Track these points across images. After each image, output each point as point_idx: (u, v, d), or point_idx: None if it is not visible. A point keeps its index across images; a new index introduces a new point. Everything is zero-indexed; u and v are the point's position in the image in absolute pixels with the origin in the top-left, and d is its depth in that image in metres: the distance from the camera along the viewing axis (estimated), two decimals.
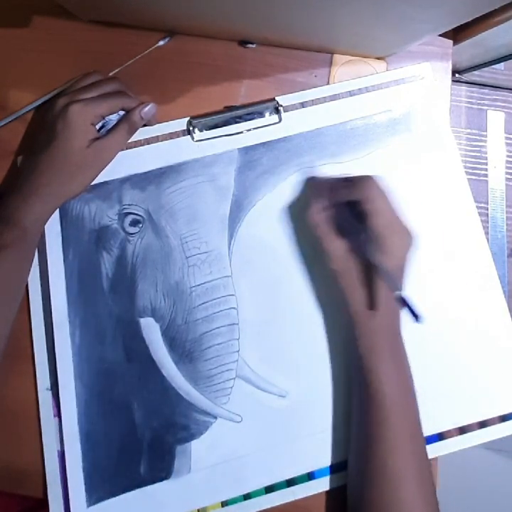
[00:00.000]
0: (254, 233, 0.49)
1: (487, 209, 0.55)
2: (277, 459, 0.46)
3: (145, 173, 0.50)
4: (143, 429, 0.46)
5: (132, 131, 0.49)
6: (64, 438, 0.46)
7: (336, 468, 0.46)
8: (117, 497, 0.45)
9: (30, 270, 0.48)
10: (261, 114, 0.51)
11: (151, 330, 0.47)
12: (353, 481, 0.44)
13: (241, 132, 0.50)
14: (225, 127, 0.51)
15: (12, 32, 0.52)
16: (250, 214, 0.49)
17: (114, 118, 0.48)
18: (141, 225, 0.49)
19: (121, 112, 0.48)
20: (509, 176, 0.55)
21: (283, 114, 0.51)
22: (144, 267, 0.48)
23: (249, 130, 0.51)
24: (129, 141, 0.50)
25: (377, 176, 0.43)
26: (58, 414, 0.46)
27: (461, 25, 0.44)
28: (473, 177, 0.55)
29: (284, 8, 0.41)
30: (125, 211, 0.49)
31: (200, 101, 0.52)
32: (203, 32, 0.52)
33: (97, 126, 0.47)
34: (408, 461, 0.41)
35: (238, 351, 0.47)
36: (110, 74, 0.51)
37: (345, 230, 0.43)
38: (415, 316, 0.37)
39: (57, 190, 0.46)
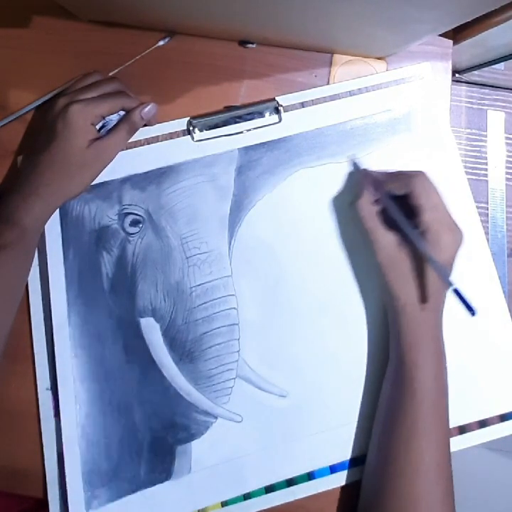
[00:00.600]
0: (255, 233, 0.49)
1: (487, 209, 0.55)
2: (277, 458, 0.46)
3: (145, 173, 0.50)
4: (143, 430, 0.46)
5: (132, 131, 0.49)
6: (63, 439, 0.46)
7: (336, 468, 0.46)
8: (117, 501, 0.45)
9: (30, 270, 0.48)
10: (261, 114, 0.51)
11: (152, 330, 0.47)
12: (371, 478, 0.44)
13: (241, 132, 0.50)
14: (225, 127, 0.51)
15: (12, 32, 0.52)
16: (250, 214, 0.49)
17: (114, 118, 0.48)
18: (141, 225, 0.49)
19: (122, 112, 0.48)
20: (509, 176, 0.55)
21: (283, 114, 0.51)
22: (144, 267, 0.48)
23: (249, 130, 0.51)
24: (129, 141, 0.49)
25: (427, 172, 0.44)
26: (58, 414, 0.46)
27: (461, 25, 0.43)
28: (473, 177, 0.55)
29: (284, 8, 0.41)
30: (125, 211, 0.49)
31: (200, 101, 0.52)
32: (203, 32, 0.52)
33: (98, 127, 0.47)
34: (436, 458, 0.41)
35: (238, 351, 0.47)
36: (110, 74, 0.51)
37: (395, 224, 0.43)
38: (470, 309, 0.37)
39: (58, 190, 0.46)
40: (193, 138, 0.50)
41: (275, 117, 0.51)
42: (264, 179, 0.50)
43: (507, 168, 0.55)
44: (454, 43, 0.53)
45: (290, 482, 0.46)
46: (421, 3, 0.37)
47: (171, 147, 0.50)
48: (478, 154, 0.56)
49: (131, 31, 0.52)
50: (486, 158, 0.56)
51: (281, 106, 0.51)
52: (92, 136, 0.46)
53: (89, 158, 0.46)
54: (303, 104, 0.51)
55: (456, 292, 0.38)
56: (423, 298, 0.42)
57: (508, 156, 0.56)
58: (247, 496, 0.45)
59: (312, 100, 0.51)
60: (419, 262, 0.42)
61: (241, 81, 0.53)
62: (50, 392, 0.47)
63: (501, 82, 0.56)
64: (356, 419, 0.47)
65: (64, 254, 0.48)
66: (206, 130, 0.51)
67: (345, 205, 0.49)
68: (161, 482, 0.45)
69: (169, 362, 0.47)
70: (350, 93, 0.51)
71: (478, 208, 0.52)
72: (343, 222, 0.50)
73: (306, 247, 0.49)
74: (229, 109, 0.51)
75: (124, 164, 0.49)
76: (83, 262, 0.48)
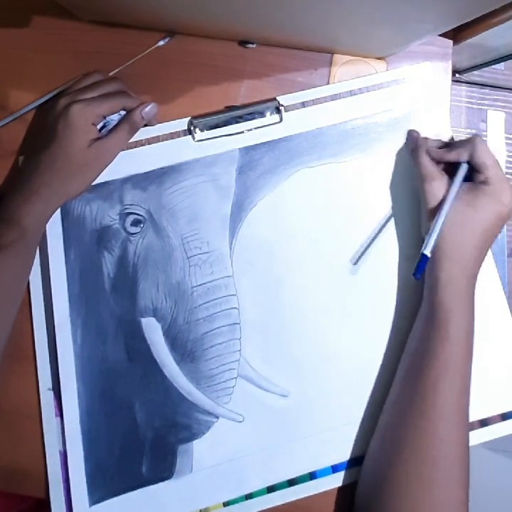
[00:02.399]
0: (256, 233, 0.49)
1: None
2: (279, 458, 0.46)
3: (146, 173, 0.50)
4: (145, 429, 0.46)
5: (133, 131, 0.49)
6: (66, 438, 0.46)
7: (337, 468, 0.46)
8: (119, 496, 0.45)
9: (31, 270, 0.48)
10: (262, 114, 0.51)
11: (153, 330, 0.48)
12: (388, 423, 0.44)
13: (242, 132, 0.51)
14: (225, 127, 0.51)
15: (12, 32, 0.52)
16: (251, 214, 0.49)
17: (115, 118, 0.48)
18: (142, 225, 0.49)
19: (123, 112, 0.48)
20: (509, 176, 0.55)
21: (284, 114, 0.51)
22: (145, 267, 0.49)
23: (250, 130, 0.51)
24: (130, 141, 0.50)
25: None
26: (60, 414, 0.46)
27: (461, 25, 0.44)
28: None
29: (284, 8, 0.41)
30: (126, 211, 0.49)
31: (201, 101, 0.52)
32: (203, 32, 0.52)
33: (98, 126, 0.47)
34: (460, 405, 0.41)
35: (240, 351, 0.47)
36: (110, 74, 0.51)
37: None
38: (417, 271, 0.40)
39: (58, 190, 0.46)
40: (194, 138, 0.51)
41: (276, 117, 0.51)
42: (265, 179, 0.50)
43: (507, 168, 0.56)
44: (454, 43, 0.53)
45: (292, 482, 0.46)
46: (421, 3, 0.37)
47: (172, 147, 0.50)
48: None
49: (131, 31, 0.52)
50: None
51: (282, 106, 0.51)
52: (92, 136, 0.46)
53: (90, 158, 0.46)
54: (304, 104, 0.51)
55: (422, 255, 0.40)
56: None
57: (508, 156, 0.56)
58: (249, 496, 0.45)
59: (313, 100, 0.51)
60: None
61: (241, 81, 0.53)
62: (51, 393, 0.47)
63: (501, 82, 0.56)
64: (358, 419, 0.47)
65: (65, 254, 0.48)
66: (207, 130, 0.51)
67: (347, 203, 0.49)
68: (163, 480, 0.45)
69: (170, 362, 0.47)
70: (351, 93, 0.52)
71: None
72: (344, 222, 0.50)
73: (307, 247, 0.49)
74: (230, 109, 0.51)
75: (125, 164, 0.50)
76: (84, 262, 0.49)
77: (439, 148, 0.47)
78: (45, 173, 0.45)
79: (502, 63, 0.55)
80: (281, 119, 0.51)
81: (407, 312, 0.48)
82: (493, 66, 0.55)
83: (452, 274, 0.43)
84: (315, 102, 0.52)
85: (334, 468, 0.46)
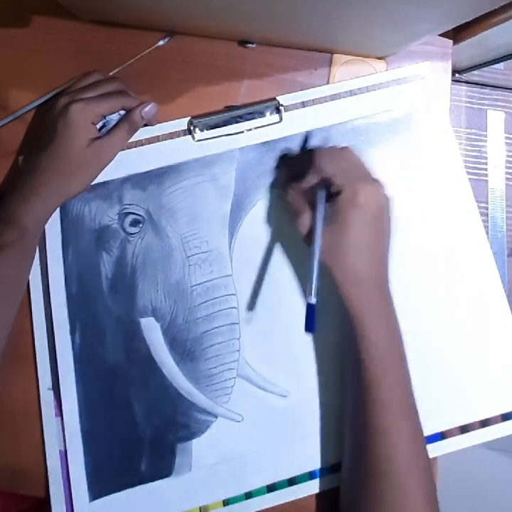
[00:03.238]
0: (255, 233, 0.49)
1: (487, 209, 0.55)
2: (278, 458, 0.46)
3: (146, 172, 0.50)
4: (144, 428, 0.46)
5: (133, 130, 0.49)
6: (66, 437, 0.46)
7: (336, 468, 0.46)
8: (119, 493, 0.45)
9: (30, 270, 0.48)
10: (262, 114, 0.51)
11: (152, 330, 0.48)
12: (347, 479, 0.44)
13: (242, 132, 0.51)
14: (225, 127, 0.51)
15: (12, 32, 0.52)
16: (251, 213, 0.49)
17: (114, 118, 0.48)
18: (141, 225, 0.49)
19: (123, 112, 0.48)
20: (509, 176, 0.55)
21: (284, 114, 0.51)
22: (144, 267, 0.49)
23: (250, 130, 0.51)
24: (130, 140, 0.50)
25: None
26: (60, 413, 0.46)
27: (461, 25, 0.43)
28: (473, 177, 0.55)
29: (284, 8, 0.41)
30: (125, 211, 0.49)
31: (200, 101, 0.52)
32: (203, 32, 0.52)
33: (98, 126, 0.47)
34: (399, 418, 0.40)
35: (239, 350, 0.47)
36: (110, 74, 0.51)
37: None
38: (308, 327, 0.38)
39: (58, 190, 0.46)
40: (193, 138, 0.51)
41: (276, 117, 0.51)
42: (264, 179, 0.50)
43: (507, 168, 0.55)
44: (454, 43, 0.53)
45: (291, 481, 0.46)
46: (421, 3, 0.37)
47: (171, 147, 0.50)
48: (478, 154, 0.56)
49: (131, 31, 0.52)
50: (486, 158, 0.56)
51: (282, 105, 0.51)
52: (92, 136, 0.46)
53: (90, 157, 0.46)
54: (303, 104, 0.51)
55: (309, 306, 0.38)
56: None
57: (508, 156, 0.56)
58: (248, 495, 0.45)
59: (313, 100, 0.51)
60: None
61: (241, 81, 0.53)
62: (51, 392, 0.47)
63: (501, 82, 0.56)
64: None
65: (63, 253, 0.48)
66: (207, 130, 0.51)
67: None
68: (162, 478, 0.46)
69: (170, 361, 0.47)
70: (351, 93, 0.51)
71: (478, 207, 0.52)
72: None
73: (306, 246, 0.49)
74: (229, 108, 0.51)
75: (124, 164, 0.50)
76: (83, 262, 0.49)
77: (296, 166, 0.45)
78: (45, 172, 0.45)
79: (502, 63, 0.55)
80: (281, 119, 0.51)
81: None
82: (493, 66, 0.55)
83: (355, 294, 0.42)
84: (315, 101, 0.51)
85: (334, 468, 0.46)
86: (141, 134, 0.50)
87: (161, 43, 0.52)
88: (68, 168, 0.46)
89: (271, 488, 0.46)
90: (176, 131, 0.51)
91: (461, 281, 0.49)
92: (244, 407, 0.47)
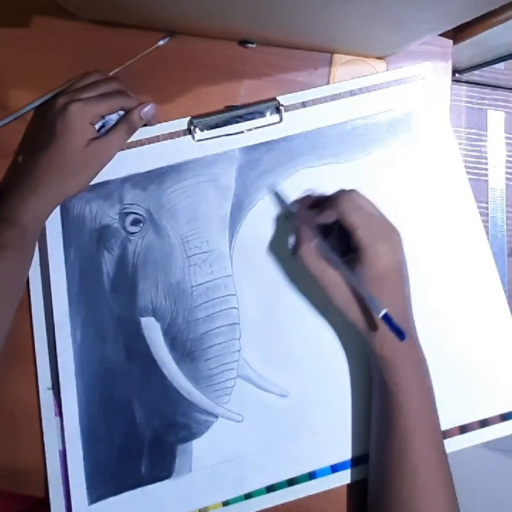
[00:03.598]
0: (255, 233, 0.49)
1: (487, 209, 0.55)
2: (278, 458, 0.46)
3: (146, 172, 0.50)
4: (144, 428, 0.46)
5: (132, 131, 0.49)
6: (65, 437, 0.46)
7: (337, 468, 0.46)
8: (118, 495, 0.45)
9: (29, 269, 0.48)
10: (262, 114, 0.51)
11: (152, 329, 0.48)
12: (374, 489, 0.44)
13: (242, 132, 0.51)
14: (225, 127, 0.51)
15: (12, 32, 0.52)
16: (251, 214, 0.49)
17: (113, 118, 0.48)
18: (142, 225, 0.49)
19: (122, 112, 0.48)
20: (509, 176, 0.55)
21: (284, 114, 0.51)
22: (144, 267, 0.49)
23: (250, 130, 0.51)
24: (130, 140, 0.50)
25: (351, 189, 0.43)
26: (59, 413, 0.46)
27: (461, 25, 0.44)
28: (473, 177, 0.55)
29: (284, 8, 0.41)
30: (126, 211, 0.49)
31: (200, 101, 0.52)
32: (203, 32, 0.52)
33: (97, 126, 0.47)
34: (431, 470, 0.41)
35: (239, 351, 0.47)
36: (110, 74, 0.51)
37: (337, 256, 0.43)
38: (399, 333, 0.38)
39: (57, 189, 0.46)
40: (193, 137, 0.50)
41: (276, 117, 0.51)
42: (265, 179, 0.50)
43: (507, 168, 0.55)
44: (454, 43, 0.53)
45: (291, 482, 0.46)
46: (421, 3, 0.37)
47: (171, 147, 0.50)
48: (478, 154, 0.56)
49: (131, 31, 0.52)
50: (486, 158, 0.56)
51: (282, 105, 0.51)
52: (90, 136, 0.46)
53: (88, 157, 0.46)
54: (304, 104, 0.51)
55: (384, 318, 0.38)
56: (374, 326, 0.42)
57: (508, 156, 0.56)
58: (248, 496, 0.45)
59: (313, 100, 0.51)
60: None
61: (241, 81, 0.53)
62: (51, 392, 0.47)
63: (501, 82, 0.56)
64: (357, 419, 0.47)
65: (65, 253, 0.48)
66: (207, 130, 0.51)
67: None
68: (162, 480, 0.46)
69: (170, 361, 0.47)
70: (351, 93, 0.51)
71: (478, 207, 0.52)
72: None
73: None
74: (230, 108, 0.51)
75: (125, 164, 0.50)
76: (84, 261, 0.49)
77: (313, 216, 0.45)
78: (44, 172, 0.45)
79: (502, 63, 0.55)
80: (281, 119, 0.51)
81: None
82: (493, 66, 0.55)
83: (385, 351, 0.42)
84: (315, 102, 0.51)
85: (334, 468, 0.46)
86: (141, 134, 0.50)
87: (161, 43, 0.52)
88: (67, 168, 0.46)
89: (270, 488, 0.46)
90: (176, 131, 0.51)
91: (460, 281, 0.49)
92: (244, 407, 0.47)
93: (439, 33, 0.50)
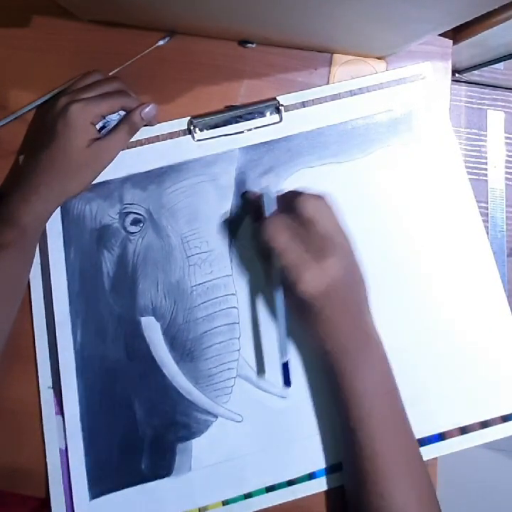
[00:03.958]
0: (255, 233, 0.49)
1: (487, 209, 0.55)
2: (278, 459, 0.46)
3: (146, 172, 0.50)
4: (144, 427, 0.46)
5: (133, 132, 0.49)
6: (66, 435, 0.46)
7: (335, 468, 0.46)
8: (119, 491, 0.45)
9: (30, 269, 0.48)
10: (262, 114, 0.51)
11: (152, 329, 0.47)
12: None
13: (242, 132, 0.50)
14: (225, 127, 0.50)
15: (12, 32, 0.52)
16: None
17: (114, 118, 0.48)
18: (142, 225, 0.49)
19: (122, 112, 0.48)
20: (509, 176, 0.55)
21: (284, 114, 0.51)
22: (144, 266, 0.48)
23: (250, 130, 0.50)
24: (129, 142, 0.50)
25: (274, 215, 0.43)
26: (60, 412, 0.46)
27: (461, 25, 0.43)
28: (473, 177, 0.55)
29: (284, 8, 0.41)
30: (126, 210, 0.49)
31: (200, 101, 0.52)
32: (203, 32, 0.52)
33: (98, 127, 0.47)
34: (396, 451, 0.40)
35: (239, 350, 0.47)
36: (110, 74, 0.51)
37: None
38: (285, 381, 0.40)
39: (58, 190, 0.46)
40: (193, 137, 0.50)
41: (276, 117, 0.51)
42: (265, 179, 0.50)
43: (507, 168, 0.55)
44: (454, 43, 0.53)
45: (291, 482, 0.46)
46: (421, 3, 0.37)
47: (171, 147, 0.50)
48: (478, 154, 0.56)
49: (131, 31, 0.52)
50: (486, 158, 0.56)
51: (282, 105, 0.51)
52: (92, 136, 0.46)
53: (89, 157, 0.46)
54: (304, 104, 0.51)
55: (284, 365, 0.40)
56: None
57: (508, 156, 0.56)
58: (248, 495, 0.45)
59: (313, 100, 0.51)
60: None
61: (241, 81, 0.53)
62: (51, 391, 0.47)
63: (501, 82, 0.56)
64: None
65: (65, 252, 0.48)
66: (207, 130, 0.51)
67: (347, 204, 0.47)
68: (162, 478, 0.46)
69: (170, 361, 0.47)
70: (351, 93, 0.51)
71: (478, 207, 0.52)
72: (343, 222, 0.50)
73: None
74: (230, 108, 0.51)
75: (125, 163, 0.49)
76: (84, 261, 0.49)
77: None
78: (45, 172, 0.45)
79: (502, 63, 0.55)
80: (281, 119, 0.51)
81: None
82: (493, 66, 0.55)
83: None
84: (315, 102, 0.51)
85: (332, 469, 0.46)
86: (141, 133, 0.50)
87: (161, 43, 0.52)
88: (68, 169, 0.45)
89: (270, 488, 0.46)
90: (176, 131, 0.51)
91: (460, 282, 0.49)
92: (244, 407, 0.47)
93: (439, 33, 0.50)
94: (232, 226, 0.49)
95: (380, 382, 0.42)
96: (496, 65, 0.54)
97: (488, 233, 0.55)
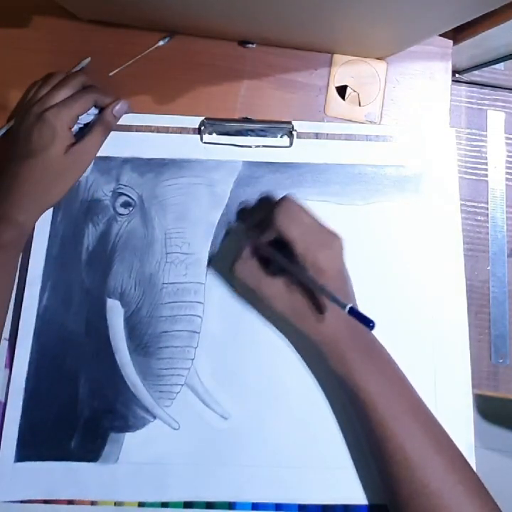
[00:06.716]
0: (236, 247, 0.46)
1: (487, 209, 0.55)
2: (203, 477, 0.44)
3: (148, 159, 0.49)
4: (83, 406, 0.46)
5: (107, 131, 0.48)
6: (9, 389, 0.46)
7: (258, 507, 0.44)
8: (44, 462, 0.45)
9: (13, 284, 0.47)
10: (274, 134, 0.50)
11: (115, 313, 0.47)
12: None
13: (250, 146, 0.50)
14: (235, 137, 0.50)
15: (12, 32, 0.52)
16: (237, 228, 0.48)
17: (84, 117, 0.48)
18: (131, 209, 0.49)
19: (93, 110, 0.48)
20: (509, 176, 0.55)
21: (295, 140, 0.50)
22: (123, 250, 0.48)
23: (258, 146, 0.50)
24: (140, 124, 0.50)
25: (285, 198, 0.42)
26: (9, 365, 0.46)
27: (461, 25, 0.43)
28: (473, 177, 0.55)
29: (284, 8, 0.41)
30: (119, 191, 0.49)
31: (200, 101, 0.51)
32: (203, 32, 0.51)
33: (73, 130, 0.47)
34: (424, 443, 0.39)
35: (193, 359, 0.46)
36: (110, 74, 0.51)
37: (279, 268, 0.42)
38: (367, 323, 0.36)
39: (39, 200, 0.46)
40: (201, 139, 0.50)
41: (287, 141, 0.50)
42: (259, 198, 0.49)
43: (507, 168, 0.55)
44: (454, 43, 0.52)
45: (210, 505, 0.44)
46: (421, 3, 0.37)
47: (178, 141, 0.50)
48: (478, 154, 0.55)
49: (131, 31, 0.52)
50: (486, 158, 0.55)
51: (296, 131, 0.50)
52: (68, 142, 0.46)
53: (68, 164, 0.46)
54: (317, 135, 0.50)
55: (351, 312, 0.37)
56: (321, 318, 0.41)
57: (508, 156, 0.55)
58: (164, 504, 0.44)
59: (327, 134, 0.50)
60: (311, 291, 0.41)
61: (241, 81, 0.52)
62: (6, 343, 0.47)
63: (501, 82, 0.56)
64: (292, 464, 0.45)
65: (53, 214, 0.49)
66: (217, 134, 0.50)
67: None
68: (88, 461, 0.45)
69: (124, 348, 0.46)
70: (367, 137, 0.50)
71: (478, 207, 0.52)
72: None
73: None
74: (244, 120, 0.51)
75: (130, 145, 0.49)
76: (68, 228, 0.48)
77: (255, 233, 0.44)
78: (24, 184, 0.45)
79: (502, 63, 0.54)
80: (291, 144, 0.50)
81: None
82: (493, 66, 0.54)
83: (338, 354, 0.41)
84: (329, 136, 0.50)
85: (255, 506, 0.44)
86: (153, 121, 0.50)
87: (161, 43, 0.52)
88: (48, 178, 0.45)
89: (188, 504, 0.44)
90: (186, 128, 0.50)
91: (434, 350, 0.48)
92: (183, 416, 0.45)
93: (439, 33, 0.50)
94: (216, 236, 0.48)
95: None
96: (497, 65, 0.54)
97: (488, 233, 0.54)
